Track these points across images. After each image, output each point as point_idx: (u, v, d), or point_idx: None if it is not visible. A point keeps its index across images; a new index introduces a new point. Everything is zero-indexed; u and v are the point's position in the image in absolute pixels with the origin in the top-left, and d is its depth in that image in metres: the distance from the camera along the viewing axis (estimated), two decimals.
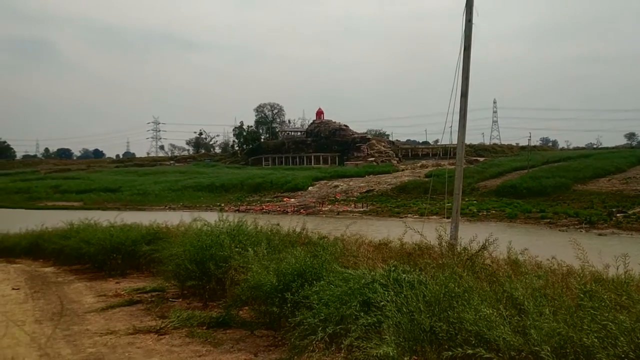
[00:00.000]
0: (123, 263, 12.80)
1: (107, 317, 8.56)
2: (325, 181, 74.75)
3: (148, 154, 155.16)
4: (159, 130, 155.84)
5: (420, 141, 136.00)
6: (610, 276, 5.48)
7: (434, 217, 38.19)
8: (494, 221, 42.14)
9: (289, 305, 6.26)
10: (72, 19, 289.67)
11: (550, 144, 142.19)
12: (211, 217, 10.59)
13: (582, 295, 4.55)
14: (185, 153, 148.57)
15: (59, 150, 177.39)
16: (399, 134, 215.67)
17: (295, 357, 5.53)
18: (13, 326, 8.11)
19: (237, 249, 8.30)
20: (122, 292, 10.53)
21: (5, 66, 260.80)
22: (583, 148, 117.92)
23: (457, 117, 8.77)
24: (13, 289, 11.47)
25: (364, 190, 64.54)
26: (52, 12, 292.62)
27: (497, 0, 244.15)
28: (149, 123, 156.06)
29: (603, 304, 4.32)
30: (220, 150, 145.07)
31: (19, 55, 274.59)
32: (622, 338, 3.84)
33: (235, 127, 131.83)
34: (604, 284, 5.05)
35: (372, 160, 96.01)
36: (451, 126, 8.96)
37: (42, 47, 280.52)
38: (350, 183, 71.31)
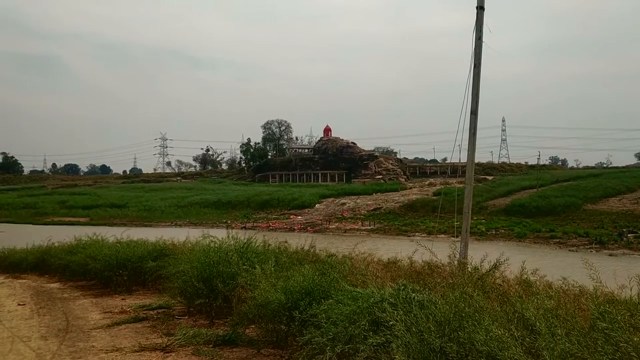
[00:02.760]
0: (129, 279, 12.76)
1: (113, 334, 8.50)
2: (332, 199, 74.66)
3: (155, 170, 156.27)
4: (166, 147, 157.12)
5: (428, 159, 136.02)
6: (623, 297, 5.39)
7: (442, 235, 38.04)
8: (502, 240, 41.86)
9: (296, 323, 6.19)
10: (79, 35, 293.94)
11: (560, 162, 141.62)
12: (217, 234, 10.56)
13: (596, 315, 4.46)
14: (192, 169, 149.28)
15: (66, 165, 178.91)
16: (407, 151, 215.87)
17: None
18: (19, 342, 8.07)
19: (244, 267, 8.25)
20: (128, 309, 10.48)
21: (13, 82, 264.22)
22: (593, 167, 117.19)
23: (466, 135, 8.74)
24: (19, 304, 11.46)
25: (372, 208, 64.37)
26: (59, 28, 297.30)
27: (505, 18, 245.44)
28: (156, 139, 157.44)
29: (617, 325, 4.23)
30: (227, 167, 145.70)
31: (27, 71, 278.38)
32: None
33: (243, 144, 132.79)
34: (617, 305, 4.96)
35: (379, 178, 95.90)
36: (460, 144, 8.91)
37: (49, 63, 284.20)
38: (358, 201, 71.18)
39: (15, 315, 10.22)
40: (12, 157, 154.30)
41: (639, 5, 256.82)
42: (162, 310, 10.19)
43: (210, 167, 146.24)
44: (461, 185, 10.24)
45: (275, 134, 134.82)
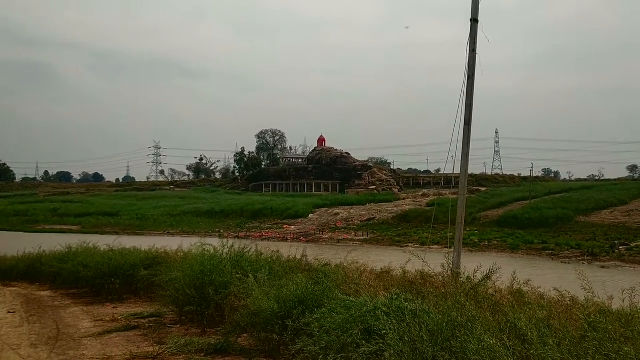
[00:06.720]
0: (121, 288, 12.70)
1: (104, 342, 8.45)
2: (325, 209, 74.56)
3: (148, 178, 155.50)
4: (160, 155, 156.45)
5: (422, 170, 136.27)
6: (614, 308, 5.42)
7: (435, 246, 38.06)
8: (495, 251, 41.90)
9: (289, 332, 6.18)
10: (72, 44, 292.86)
11: (552, 175, 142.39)
12: (210, 243, 10.55)
13: (586, 326, 4.50)
14: (186, 178, 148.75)
15: (58, 173, 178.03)
16: (401, 162, 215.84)
17: None
18: (8, 350, 8.00)
19: (238, 275, 8.25)
20: (120, 317, 10.42)
21: (5, 89, 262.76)
22: (585, 180, 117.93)
23: (460, 145, 8.79)
24: (9, 312, 11.36)
25: (365, 219, 64.34)
26: (51, 36, 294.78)
27: (498, 30, 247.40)
28: (149, 147, 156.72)
29: (608, 335, 4.27)
30: (220, 176, 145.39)
31: (19, 79, 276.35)
32: None
33: (236, 153, 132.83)
34: (609, 316, 4.99)
35: (373, 189, 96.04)
36: (454, 155, 8.97)
37: (42, 70, 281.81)
38: (351, 211, 71.15)
39: (5, 323, 10.13)
40: (4, 164, 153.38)
41: (626, 20, 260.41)
42: (154, 318, 10.15)
43: (203, 176, 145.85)
44: (454, 196, 10.28)
45: (270, 143, 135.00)
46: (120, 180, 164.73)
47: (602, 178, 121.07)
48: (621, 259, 36.49)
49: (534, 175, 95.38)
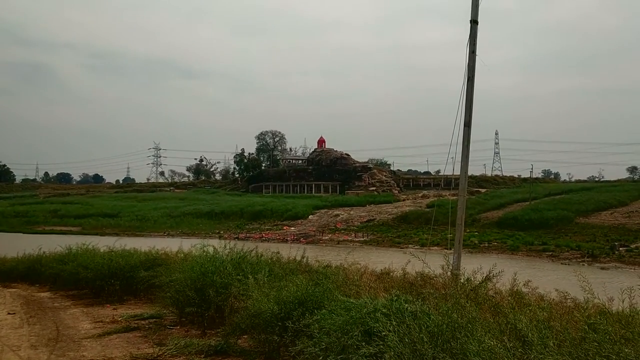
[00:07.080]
0: (121, 289, 12.70)
1: (104, 344, 8.45)
2: (325, 210, 74.52)
3: (148, 179, 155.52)
4: (160, 156, 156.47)
5: (422, 171, 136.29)
6: (614, 310, 5.42)
7: (435, 247, 38.04)
8: (495, 253, 41.90)
9: (289, 334, 6.18)
10: (71, 44, 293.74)
11: (552, 176, 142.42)
12: (211, 244, 10.55)
13: (586, 327, 4.50)
14: (185, 179, 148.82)
15: (58, 174, 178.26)
16: (401, 163, 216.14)
17: None
18: (8, 351, 8.00)
19: (238, 277, 8.25)
20: (119, 319, 10.42)
21: (4, 90, 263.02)
22: (585, 181, 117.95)
23: (460, 147, 8.80)
24: (9, 313, 11.36)
25: (365, 220, 64.31)
26: (50, 37, 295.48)
27: (498, 31, 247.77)
28: (150, 149, 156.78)
29: (608, 336, 4.27)
30: (220, 177, 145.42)
31: (18, 79, 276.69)
32: None
33: (236, 154, 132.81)
34: (609, 317, 5.00)
35: (373, 190, 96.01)
36: (454, 156, 8.98)
37: (42, 71, 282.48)
38: (351, 212, 71.10)
39: (4, 324, 10.13)
40: (4, 165, 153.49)
41: (626, 22, 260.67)
42: (154, 320, 10.14)
43: (203, 178, 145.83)
44: (454, 198, 10.29)
45: (269, 144, 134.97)
46: (120, 182, 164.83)
47: (602, 179, 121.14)
48: (621, 260, 36.48)
49: (534, 176, 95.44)
